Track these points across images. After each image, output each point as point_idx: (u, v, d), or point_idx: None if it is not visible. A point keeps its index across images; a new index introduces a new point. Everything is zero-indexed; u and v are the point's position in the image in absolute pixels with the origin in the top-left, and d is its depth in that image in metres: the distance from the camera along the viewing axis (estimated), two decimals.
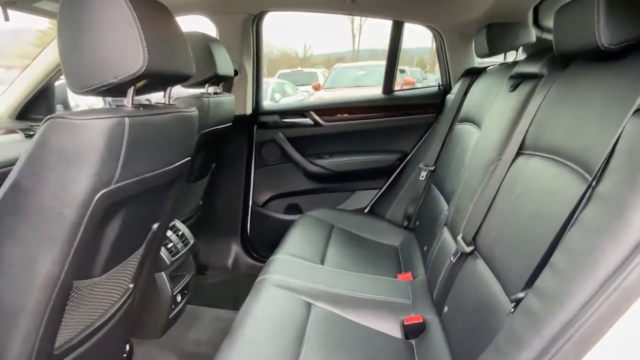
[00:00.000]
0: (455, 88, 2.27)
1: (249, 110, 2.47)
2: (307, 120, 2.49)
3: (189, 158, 1.21)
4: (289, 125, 2.50)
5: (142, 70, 0.85)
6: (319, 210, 2.29)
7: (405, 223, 2.24)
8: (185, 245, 1.74)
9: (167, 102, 1.13)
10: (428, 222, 1.92)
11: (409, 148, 2.44)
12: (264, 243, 2.56)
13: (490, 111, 1.58)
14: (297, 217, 2.34)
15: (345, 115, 2.48)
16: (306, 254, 1.79)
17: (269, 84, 7.84)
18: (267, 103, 2.57)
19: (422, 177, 2.20)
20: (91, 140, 0.81)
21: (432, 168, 2.17)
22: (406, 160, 2.43)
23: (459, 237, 1.32)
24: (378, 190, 2.50)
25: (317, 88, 8.60)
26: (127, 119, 0.85)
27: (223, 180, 2.50)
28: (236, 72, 2.38)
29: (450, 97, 2.31)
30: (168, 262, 1.57)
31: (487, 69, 2.02)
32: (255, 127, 2.52)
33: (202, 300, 2.20)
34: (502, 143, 1.32)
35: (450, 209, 1.61)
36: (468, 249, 1.26)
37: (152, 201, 1.15)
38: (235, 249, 2.55)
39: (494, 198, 1.23)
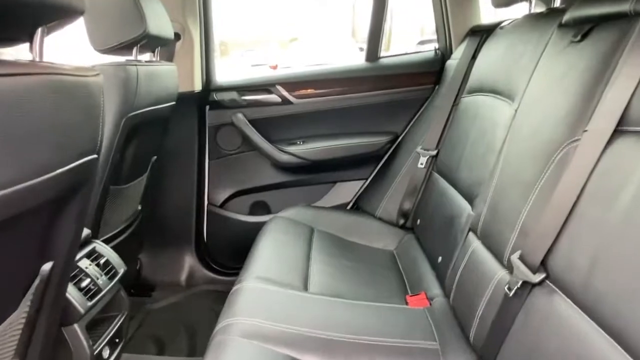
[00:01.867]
0: (458, 52, 1.81)
1: (197, 86, 1.93)
2: (274, 97, 1.97)
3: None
4: (251, 104, 1.97)
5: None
6: (293, 209, 1.80)
7: (401, 221, 1.79)
8: (112, 278, 1.21)
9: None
10: (437, 223, 1.47)
11: (400, 128, 1.97)
12: (226, 251, 2.05)
13: (534, 77, 1.13)
14: (265, 219, 1.86)
15: (321, 90, 1.98)
16: (283, 276, 1.32)
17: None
18: (222, 77, 2.03)
19: (421, 164, 1.74)
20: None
21: (434, 152, 1.71)
22: (397, 143, 1.96)
23: (515, 257, 0.89)
24: (364, 181, 2.02)
25: (274, 68, 8.00)
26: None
27: (169, 177, 1.95)
28: (178, 36, 1.82)
29: (451, 63, 1.84)
30: (82, 310, 1.04)
31: (502, 24, 1.56)
32: (208, 107, 1.98)
33: (147, 339, 1.67)
34: (575, 118, 0.88)
35: (479, 208, 1.17)
36: (535, 278, 0.84)
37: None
38: (190, 260, 2.02)
39: (577, 200, 0.79)
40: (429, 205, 1.63)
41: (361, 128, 1.98)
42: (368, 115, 1.98)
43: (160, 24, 1.45)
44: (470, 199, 1.27)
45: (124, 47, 1.37)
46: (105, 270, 1.21)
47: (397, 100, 1.95)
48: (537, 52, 1.16)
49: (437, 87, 1.91)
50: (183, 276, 2.02)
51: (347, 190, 2.03)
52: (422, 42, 10.01)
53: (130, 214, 1.64)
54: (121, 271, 1.25)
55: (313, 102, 1.97)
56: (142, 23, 1.33)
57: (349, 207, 2.03)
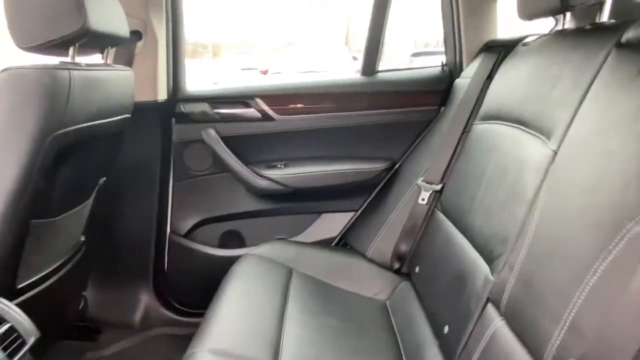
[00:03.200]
0: (470, 70, 1.52)
1: (162, 95, 1.61)
2: (252, 112, 1.66)
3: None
4: (225, 119, 1.66)
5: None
6: (269, 244, 1.51)
7: (396, 265, 1.49)
8: (17, 350, 0.90)
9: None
10: (443, 278, 1.19)
11: (398, 155, 1.68)
12: (190, 288, 1.74)
13: (583, 110, 0.85)
14: (238, 252, 1.59)
15: (308, 105, 1.68)
16: (247, 346, 1.03)
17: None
18: (193, 86, 1.72)
19: (422, 199, 1.44)
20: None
21: (439, 187, 1.42)
22: (394, 172, 1.67)
23: None
24: (354, 213, 1.73)
25: (264, 73, 7.69)
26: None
27: (123, 201, 1.63)
28: (139, 35, 1.51)
29: (461, 82, 1.56)
30: None
31: (524, 40, 1.29)
32: (174, 120, 1.66)
33: None
34: None
35: (503, 275, 0.89)
36: None
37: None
38: (146, 298, 1.70)
39: None
40: (432, 251, 1.33)
41: (353, 152, 1.69)
42: (362, 137, 1.68)
43: (109, 18, 1.14)
44: (488, 257, 0.99)
45: (57, 46, 1.06)
46: (7, 342, 0.89)
47: (395, 121, 1.66)
48: (585, 78, 0.87)
49: (443, 108, 1.62)
50: (137, 316, 1.70)
51: (334, 223, 1.73)
52: (416, 54, 9.84)
53: (68, 248, 1.32)
54: (31, 340, 0.94)
55: (298, 119, 1.67)
56: (80, 16, 1.02)
57: (334, 242, 1.73)
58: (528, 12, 1.17)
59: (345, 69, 7.53)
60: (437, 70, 1.67)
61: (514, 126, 1.09)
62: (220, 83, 6.10)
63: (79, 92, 1.05)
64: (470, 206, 1.15)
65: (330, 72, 7.18)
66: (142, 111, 1.49)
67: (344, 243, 1.72)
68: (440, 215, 1.35)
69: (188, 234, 1.73)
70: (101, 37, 1.14)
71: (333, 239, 1.72)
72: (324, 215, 1.73)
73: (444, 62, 1.67)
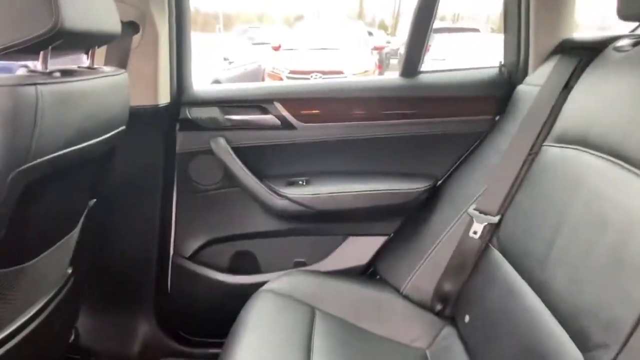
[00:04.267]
0: (539, 75, 1.23)
1: (164, 98, 1.35)
2: (270, 119, 1.39)
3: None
4: (238, 126, 1.40)
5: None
6: (288, 275, 1.28)
7: (438, 307, 1.25)
8: None
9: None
10: (506, 345, 0.94)
11: (442, 172, 1.41)
12: (197, 315, 1.52)
13: None
14: (251, 279, 1.41)
15: (336, 112, 1.40)
16: None
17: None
18: (201, 86, 1.45)
19: (474, 232, 1.18)
20: None
21: (496, 219, 1.16)
22: (438, 194, 1.40)
23: None
24: (386, 238, 1.47)
25: (277, 49, 7.33)
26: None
27: (119, 220, 1.39)
28: (136, 28, 1.24)
29: (525, 90, 1.28)
30: None
31: (616, 42, 1.00)
32: (178, 126, 1.40)
33: None
34: None
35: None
36: None
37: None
38: (146, 327, 1.48)
39: None
40: (487, 300, 1.09)
41: (388, 168, 1.42)
42: (399, 151, 1.41)
43: (92, 12, 0.88)
44: (581, 341, 0.74)
45: (23, 51, 0.80)
46: None
47: (440, 132, 1.38)
48: None
49: (497, 118, 1.34)
50: (136, 347, 1.48)
51: (362, 248, 1.47)
52: (435, 30, 9.35)
53: (48, 287, 1.09)
54: None
55: (324, 128, 1.40)
56: (51, 13, 0.76)
57: (363, 271, 1.48)
58: (634, 10, 0.88)
59: (360, 44, 7.16)
60: (493, 72, 1.38)
61: (610, 160, 0.82)
62: (233, 60, 5.72)
63: (50, 113, 0.80)
64: (545, 256, 0.89)
65: (345, 48, 6.84)
66: (140, 117, 1.24)
67: (372, 271, 1.47)
68: (497, 256, 1.10)
69: (194, 256, 1.49)
70: (82, 37, 0.88)
71: (360, 267, 1.47)
72: (350, 239, 1.48)
73: (502, 63, 1.37)
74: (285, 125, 1.39)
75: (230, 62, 6.77)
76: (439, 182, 1.40)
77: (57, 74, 0.85)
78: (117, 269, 1.42)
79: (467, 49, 6.60)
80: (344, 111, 1.40)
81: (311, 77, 6.20)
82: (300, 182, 1.41)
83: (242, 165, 1.38)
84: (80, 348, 1.44)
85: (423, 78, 1.41)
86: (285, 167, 1.43)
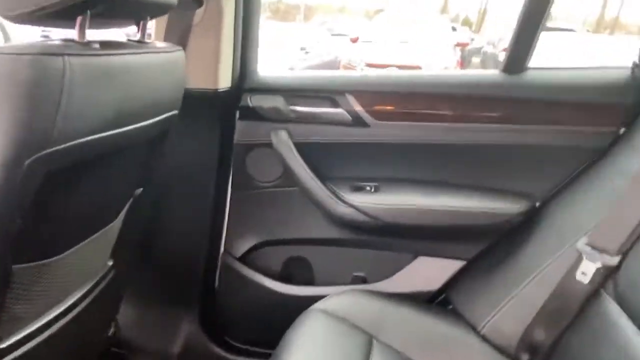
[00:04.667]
0: None
1: (224, 83, 1.20)
2: (340, 113, 1.21)
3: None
4: (303, 119, 1.23)
5: None
6: (343, 295, 1.10)
7: (524, 358, 1.01)
8: None
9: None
10: None
11: (543, 192, 1.15)
12: (243, 322, 1.38)
13: None
14: (304, 291, 1.29)
15: (417, 109, 1.19)
16: None
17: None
18: (267, 71, 1.30)
19: (583, 273, 0.92)
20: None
21: (615, 261, 0.89)
22: (536, 218, 1.15)
23: None
24: (463, 263, 1.24)
25: (354, 41, 7.11)
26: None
27: (168, 211, 1.28)
28: (199, 2, 1.10)
29: None
30: None
31: None
32: (238, 113, 1.26)
33: None
34: None
35: None
36: None
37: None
38: (188, 326, 1.37)
39: None
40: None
41: (475, 181, 1.18)
42: (491, 161, 1.17)
43: None
44: None
45: (58, 15, 0.67)
46: None
47: (546, 144, 1.13)
48: None
49: (622, 131, 1.07)
50: (176, 347, 1.37)
51: (434, 270, 1.25)
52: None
53: (84, 280, 1.00)
54: None
55: (402, 127, 1.19)
56: None
57: (432, 297, 1.26)
58: None
59: (443, 40, 6.77)
60: (622, 74, 1.10)
61: None
62: (310, 50, 5.61)
63: (80, 91, 0.67)
64: None
65: (426, 43, 6.48)
66: (197, 102, 1.11)
67: (444, 300, 1.25)
68: (612, 307, 0.85)
69: (244, 257, 1.35)
70: (128, 4, 0.74)
71: (430, 293, 1.26)
72: (420, 259, 1.26)
73: (637, 62, 1.08)
74: (357, 121, 1.20)
75: (306, 52, 6.67)
76: (539, 204, 1.14)
77: (96, 45, 0.72)
78: (163, 263, 1.32)
79: (563, 49, 6.01)
80: (427, 109, 1.19)
81: (387, 70, 5.94)
82: (368, 188, 1.22)
83: (304, 164, 1.21)
84: (120, 341, 1.36)
85: (530, 76, 1.15)
86: (353, 170, 1.24)
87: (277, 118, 1.23)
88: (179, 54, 0.96)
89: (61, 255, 0.84)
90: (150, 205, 1.13)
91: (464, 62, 8.11)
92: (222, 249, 1.36)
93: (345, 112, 1.20)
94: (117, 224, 1.01)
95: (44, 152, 0.65)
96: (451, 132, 1.17)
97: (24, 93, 0.61)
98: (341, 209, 1.20)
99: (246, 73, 1.24)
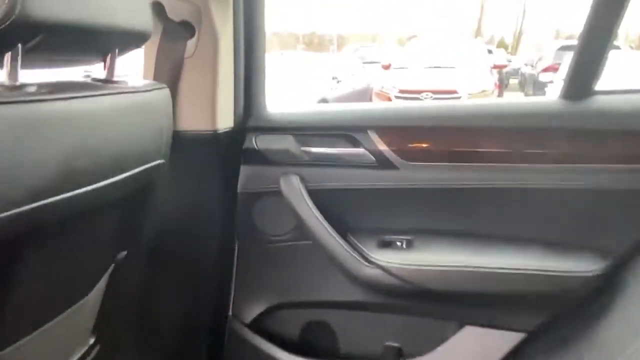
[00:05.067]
0: None
1: (225, 122, 1.02)
2: (361, 153, 1.00)
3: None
4: (318, 161, 1.03)
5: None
6: None
7: None
8: None
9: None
10: None
11: (627, 249, 0.89)
12: None
13: None
14: None
15: (458, 147, 0.97)
16: None
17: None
18: (275, 107, 1.11)
19: None
20: None
21: None
22: (616, 277, 0.89)
23: None
24: (524, 335, 0.98)
25: (387, 68, 6.95)
26: None
27: (161, 273, 1.09)
28: (191, 29, 0.93)
29: None
30: None
31: None
32: (242, 157, 1.07)
33: None
34: None
35: None
36: None
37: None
38: None
39: None
40: None
41: (535, 234, 0.94)
42: (553, 209, 0.92)
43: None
44: None
45: None
46: None
47: (624, 188, 0.87)
48: None
49: None
50: None
51: (488, 343, 1.00)
52: (564, 48, 8.27)
53: None
54: None
55: (437, 169, 0.97)
56: None
57: None
58: None
59: (478, 62, 6.50)
60: None
61: None
62: (341, 79, 5.47)
63: (6, 148, 0.50)
64: None
65: (461, 66, 6.24)
66: (193, 146, 0.94)
67: None
68: None
69: (256, 323, 1.14)
70: (84, 34, 0.58)
71: None
72: (469, 329, 1.01)
73: None
74: (383, 162, 0.98)
75: (338, 81, 6.55)
76: (620, 264, 0.88)
77: (30, 89, 0.55)
78: (159, 335, 1.12)
79: (611, 68, 5.62)
80: (468, 146, 0.97)
81: (422, 96, 5.75)
82: (399, 244, 1.00)
83: (319, 215, 1.00)
84: None
85: (598, 101, 0.91)
86: (379, 220, 1.02)
87: (287, 161, 1.03)
88: (160, 93, 0.79)
89: (24, 340, 0.67)
90: (139, 269, 0.95)
91: (501, 85, 7.78)
92: (229, 313, 1.16)
93: (367, 153, 0.99)
94: (94, 296, 0.84)
95: None
96: (500, 174, 0.94)
97: None
98: (366, 270, 0.98)
99: (251, 110, 1.06)
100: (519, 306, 0.96)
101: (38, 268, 0.67)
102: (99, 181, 0.66)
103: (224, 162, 1.05)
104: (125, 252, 0.86)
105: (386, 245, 1.00)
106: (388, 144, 0.98)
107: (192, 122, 0.97)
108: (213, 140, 1.01)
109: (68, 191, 0.61)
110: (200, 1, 0.90)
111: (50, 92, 0.57)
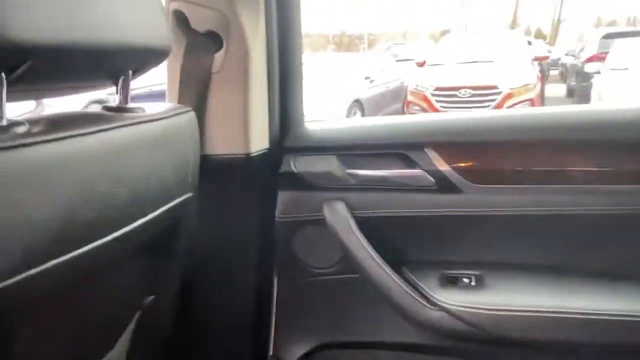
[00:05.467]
0: None
1: (259, 144, 0.89)
2: (418, 175, 0.85)
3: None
4: (367, 185, 0.89)
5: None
6: None
7: None
8: None
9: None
10: None
11: None
12: None
13: None
14: None
15: (538, 166, 0.81)
16: None
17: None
18: (315, 123, 0.98)
19: None
20: None
21: None
22: None
23: None
24: None
25: (421, 65, 6.71)
26: None
27: (194, 315, 0.98)
28: (218, 42, 0.81)
29: None
30: None
31: None
32: (279, 182, 0.94)
33: None
34: None
35: None
36: None
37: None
38: None
39: None
40: None
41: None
42: None
43: (98, 9, 0.46)
44: None
45: None
46: None
47: None
48: None
49: None
50: None
51: None
52: (610, 36, 7.75)
53: None
54: None
55: (511, 191, 0.81)
56: None
57: None
58: None
59: (520, 55, 6.17)
60: None
61: None
62: (374, 78, 5.27)
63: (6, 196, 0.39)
64: None
65: (501, 60, 5.93)
66: (223, 172, 0.82)
67: None
68: None
69: None
70: (81, 58, 0.47)
71: None
72: None
73: None
74: (443, 185, 0.83)
75: (371, 81, 6.36)
76: None
77: (20, 129, 0.44)
78: None
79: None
80: (548, 164, 0.80)
81: (460, 93, 5.51)
82: (466, 280, 0.84)
83: (368, 245, 0.86)
84: None
85: None
86: (440, 253, 0.87)
87: (331, 185, 0.90)
88: (184, 117, 0.67)
89: None
90: (169, 312, 0.84)
91: (543, 77, 7.40)
92: (270, 353, 1.03)
93: (425, 174, 0.84)
94: (119, 349, 0.73)
95: None
96: (588, 197, 0.77)
97: None
98: (427, 313, 0.83)
99: (288, 128, 0.93)
100: (621, 355, 0.79)
101: (44, 333, 0.57)
102: (110, 233, 0.55)
103: (259, 188, 0.92)
104: (152, 297, 0.75)
105: (450, 282, 0.85)
106: (449, 163, 0.83)
107: (222, 145, 0.85)
108: (245, 164, 0.88)
109: (73, 250, 0.50)
110: (227, 7, 0.78)
111: (45, 132, 0.46)
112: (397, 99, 6.76)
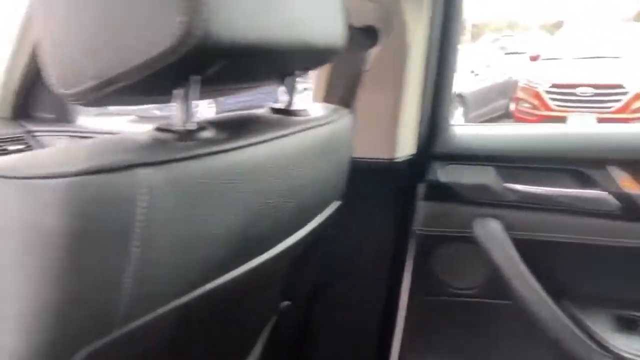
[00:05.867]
0: None
1: (404, 149, 0.82)
2: (597, 196, 0.72)
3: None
4: (528, 203, 0.77)
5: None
6: None
7: None
8: None
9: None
10: None
11: None
12: None
13: None
14: None
15: None
16: None
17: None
18: (465, 127, 0.88)
19: None
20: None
21: None
22: None
23: None
24: None
25: (534, 59, 6.16)
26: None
27: (321, 325, 0.94)
28: (373, 36, 0.74)
29: None
30: None
31: None
32: (421, 190, 0.86)
33: None
34: None
35: None
36: None
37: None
38: None
39: None
40: None
41: None
42: None
43: (284, 5, 0.41)
44: None
45: (144, 91, 0.38)
46: None
47: None
48: None
49: None
50: None
51: None
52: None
53: None
54: None
55: None
56: (180, 10, 0.30)
57: None
58: None
59: None
60: None
61: None
62: (479, 72, 4.92)
63: (164, 227, 0.36)
64: None
65: (629, 56, 5.25)
66: (365, 177, 0.76)
67: None
68: None
69: None
70: (268, 55, 0.42)
71: None
72: None
73: None
74: (631, 211, 0.70)
75: (476, 75, 5.99)
76: None
77: (208, 133, 0.41)
78: None
79: None
80: None
81: (578, 91, 5.00)
82: None
83: (526, 270, 0.75)
84: None
85: None
86: (617, 289, 0.74)
87: (484, 200, 0.80)
88: (346, 120, 0.62)
89: None
90: (301, 318, 0.81)
91: None
92: None
93: (607, 196, 0.71)
94: (254, 353, 0.71)
95: (101, 341, 0.35)
96: None
97: (56, 245, 0.32)
98: (595, 358, 0.70)
99: (436, 133, 0.84)
100: None
101: (195, 338, 0.55)
102: (275, 245, 0.51)
103: (401, 197, 0.85)
104: (288, 302, 0.71)
105: (627, 325, 0.71)
106: None
107: (368, 148, 0.79)
108: (387, 171, 0.81)
109: (243, 264, 0.46)
110: (393, 3, 0.70)
111: (229, 139, 0.42)
112: (504, 95, 6.31)
